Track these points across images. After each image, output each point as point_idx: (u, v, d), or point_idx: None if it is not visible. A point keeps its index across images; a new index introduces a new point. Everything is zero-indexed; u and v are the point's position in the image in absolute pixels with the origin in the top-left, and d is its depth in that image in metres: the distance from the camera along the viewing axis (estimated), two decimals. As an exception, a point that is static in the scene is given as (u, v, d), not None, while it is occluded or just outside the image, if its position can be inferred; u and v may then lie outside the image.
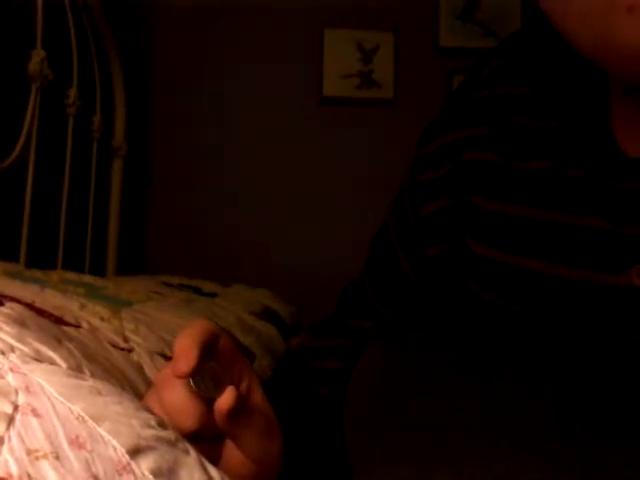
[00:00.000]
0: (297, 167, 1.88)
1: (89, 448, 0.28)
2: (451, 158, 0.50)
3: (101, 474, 0.27)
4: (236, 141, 1.89)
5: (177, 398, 0.40)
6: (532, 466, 0.40)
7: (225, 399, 0.39)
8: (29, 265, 1.13)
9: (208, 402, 0.39)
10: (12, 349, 0.35)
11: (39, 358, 0.35)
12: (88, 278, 1.04)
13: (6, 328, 0.37)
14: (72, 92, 1.41)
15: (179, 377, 0.39)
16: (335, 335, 0.59)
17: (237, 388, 0.41)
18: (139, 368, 0.57)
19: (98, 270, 1.56)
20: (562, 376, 0.41)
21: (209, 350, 0.41)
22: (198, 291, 1.44)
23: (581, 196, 0.42)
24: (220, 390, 0.40)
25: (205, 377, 0.40)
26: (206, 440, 0.41)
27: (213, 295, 1.41)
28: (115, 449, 0.28)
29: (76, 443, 0.27)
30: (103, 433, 0.29)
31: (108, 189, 1.70)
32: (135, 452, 0.29)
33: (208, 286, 1.49)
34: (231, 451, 0.42)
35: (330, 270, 1.73)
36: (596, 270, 0.41)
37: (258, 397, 0.44)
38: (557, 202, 0.43)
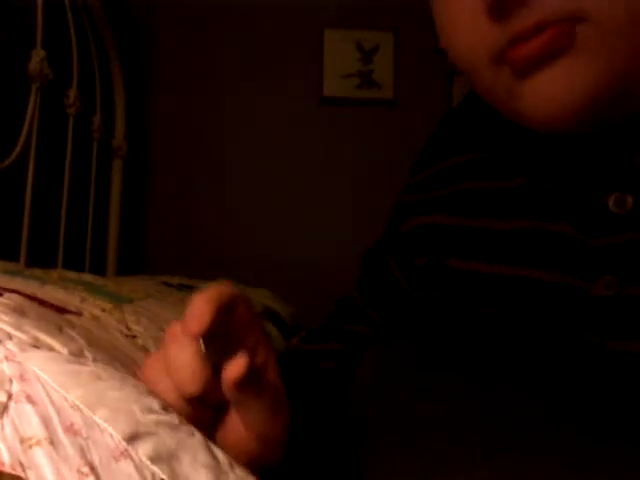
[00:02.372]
0: (297, 167, 1.88)
1: (84, 435, 0.27)
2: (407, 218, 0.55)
3: (96, 461, 0.26)
4: (236, 141, 1.89)
5: (183, 358, 0.37)
6: (525, 465, 0.40)
7: (235, 366, 0.36)
8: (29, 265, 1.13)
9: (216, 368, 0.37)
10: (9, 337, 0.34)
11: (37, 345, 0.35)
12: (88, 277, 1.04)
13: (3, 317, 0.37)
14: (72, 92, 1.41)
15: (189, 336, 0.36)
16: (330, 340, 0.59)
17: (251, 359, 0.39)
18: (145, 351, 0.56)
19: (98, 270, 1.56)
20: (551, 380, 0.43)
21: (226, 314, 0.38)
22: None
23: (553, 206, 0.44)
24: (231, 358, 0.37)
25: (217, 341, 0.37)
26: (209, 407, 0.39)
27: (213, 295, 1.41)
28: (112, 436, 0.28)
29: (71, 430, 0.27)
30: (99, 421, 0.28)
31: (108, 189, 1.70)
32: (132, 438, 0.29)
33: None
34: (233, 424, 0.40)
35: (330, 270, 1.73)
36: (571, 276, 0.42)
37: (272, 374, 0.41)
38: (530, 212, 0.45)
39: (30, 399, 0.28)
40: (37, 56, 1.23)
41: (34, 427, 0.27)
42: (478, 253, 0.46)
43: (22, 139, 1.21)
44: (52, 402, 0.28)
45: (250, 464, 0.40)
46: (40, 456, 0.25)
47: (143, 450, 0.28)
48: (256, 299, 1.47)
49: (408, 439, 0.46)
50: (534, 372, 0.44)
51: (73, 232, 1.44)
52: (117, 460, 0.27)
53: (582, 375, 0.42)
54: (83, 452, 0.27)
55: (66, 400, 0.29)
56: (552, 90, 0.35)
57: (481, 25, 0.36)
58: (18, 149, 1.20)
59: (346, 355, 0.57)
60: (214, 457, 0.33)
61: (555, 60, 0.34)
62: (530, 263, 0.43)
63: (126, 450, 0.28)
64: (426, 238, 0.52)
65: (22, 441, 0.26)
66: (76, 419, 0.28)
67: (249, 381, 0.36)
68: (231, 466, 0.34)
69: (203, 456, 0.32)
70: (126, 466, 0.27)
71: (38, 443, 0.26)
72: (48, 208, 1.37)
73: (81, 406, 0.29)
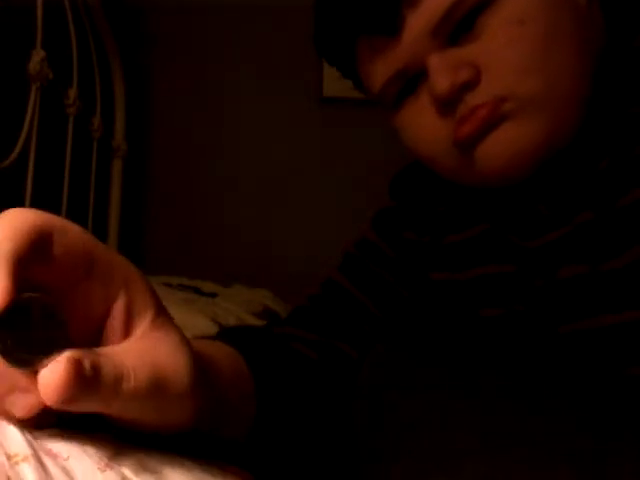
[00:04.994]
0: (297, 167, 1.88)
1: (65, 456, 0.27)
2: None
3: (80, 476, 0.26)
4: (236, 141, 1.89)
5: None
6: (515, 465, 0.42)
7: (52, 378, 0.24)
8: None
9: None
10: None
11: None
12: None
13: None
14: (72, 92, 1.41)
15: None
16: (313, 329, 0.58)
17: (96, 324, 0.28)
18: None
19: (98, 270, 1.55)
20: (536, 379, 0.48)
21: (35, 260, 0.26)
22: (198, 291, 1.44)
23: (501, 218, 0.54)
24: (50, 350, 0.24)
25: (19, 328, 0.24)
26: None
27: (213, 295, 1.41)
28: (95, 454, 0.27)
29: (51, 454, 0.26)
30: (79, 442, 0.28)
31: (108, 189, 1.70)
32: (115, 455, 0.28)
33: (208, 286, 1.49)
34: None
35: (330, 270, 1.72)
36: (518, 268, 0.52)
37: (143, 332, 0.29)
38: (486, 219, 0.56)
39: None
40: (37, 56, 1.23)
41: (19, 444, 0.26)
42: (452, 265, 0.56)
43: (22, 139, 1.21)
44: (26, 429, 0.28)
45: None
46: (28, 471, 0.25)
47: (127, 465, 0.28)
48: (256, 299, 1.47)
49: (401, 438, 0.47)
50: (520, 370, 0.49)
51: (73, 232, 1.44)
52: (103, 471, 0.26)
53: (557, 372, 0.47)
54: (66, 470, 0.26)
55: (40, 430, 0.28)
56: (497, 149, 0.46)
57: (435, 122, 0.49)
58: (18, 149, 1.20)
59: (327, 347, 0.57)
60: (207, 466, 0.32)
61: (493, 130, 0.46)
62: (489, 262, 0.54)
63: (109, 464, 0.27)
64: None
65: (9, 457, 0.25)
66: (53, 444, 0.27)
67: (81, 389, 0.24)
68: (224, 475, 0.33)
69: (193, 464, 0.30)
70: (112, 476, 0.26)
71: (25, 459, 0.25)
72: (48, 208, 1.35)
73: (57, 431, 0.28)
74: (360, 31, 0.50)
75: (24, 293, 0.25)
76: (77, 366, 0.24)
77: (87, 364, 0.25)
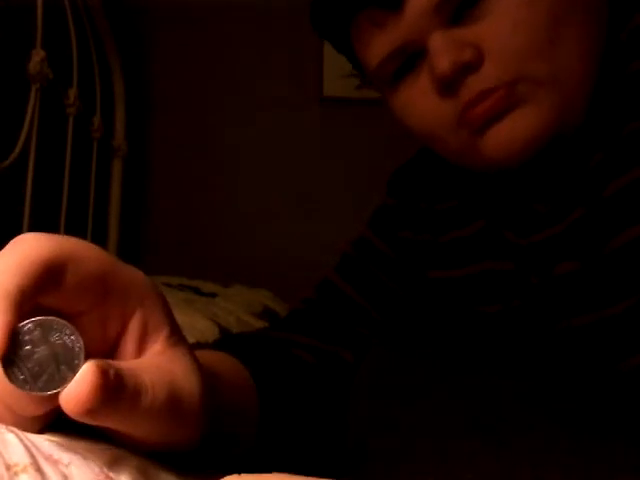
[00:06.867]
0: (297, 167, 1.88)
1: (65, 462, 0.27)
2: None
3: None
4: (236, 141, 1.89)
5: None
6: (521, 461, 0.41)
7: (74, 396, 0.24)
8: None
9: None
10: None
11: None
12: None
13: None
14: (72, 92, 1.41)
15: None
16: (312, 334, 0.58)
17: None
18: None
19: (98, 270, 1.55)
20: (536, 373, 0.49)
21: (47, 288, 0.26)
22: (198, 291, 1.44)
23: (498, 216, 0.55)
24: (67, 373, 0.25)
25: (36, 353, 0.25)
26: None
27: (213, 295, 1.41)
28: (94, 462, 0.27)
29: (51, 460, 0.27)
30: (79, 450, 0.28)
31: (108, 189, 1.70)
32: (114, 463, 0.28)
33: (208, 286, 1.49)
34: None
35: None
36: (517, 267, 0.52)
37: (157, 350, 0.29)
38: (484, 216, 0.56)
39: (9, 428, 0.28)
40: (37, 56, 1.24)
41: (19, 454, 0.26)
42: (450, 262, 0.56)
43: (22, 139, 1.21)
44: (26, 436, 0.28)
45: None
46: (26, 481, 0.25)
47: (126, 472, 0.28)
48: (256, 299, 1.48)
49: (401, 439, 0.47)
50: (520, 367, 0.49)
51: (73, 232, 1.44)
52: (102, 482, 0.27)
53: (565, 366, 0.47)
54: (66, 478, 0.26)
55: (40, 437, 0.28)
56: (512, 134, 0.45)
57: (436, 102, 0.47)
58: (18, 149, 1.20)
59: (325, 352, 0.56)
60: (205, 475, 0.32)
61: (509, 113, 0.45)
62: (486, 259, 0.54)
63: (109, 476, 0.27)
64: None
65: (8, 468, 0.25)
66: (53, 450, 0.27)
67: (105, 400, 0.25)
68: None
69: (191, 472, 0.30)
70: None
71: (24, 469, 0.25)
72: (48, 208, 1.37)
73: (57, 440, 0.28)
74: (363, 4, 0.47)
75: (29, 319, 0.25)
76: (104, 375, 0.25)
77: (111, 374, 0.25)
